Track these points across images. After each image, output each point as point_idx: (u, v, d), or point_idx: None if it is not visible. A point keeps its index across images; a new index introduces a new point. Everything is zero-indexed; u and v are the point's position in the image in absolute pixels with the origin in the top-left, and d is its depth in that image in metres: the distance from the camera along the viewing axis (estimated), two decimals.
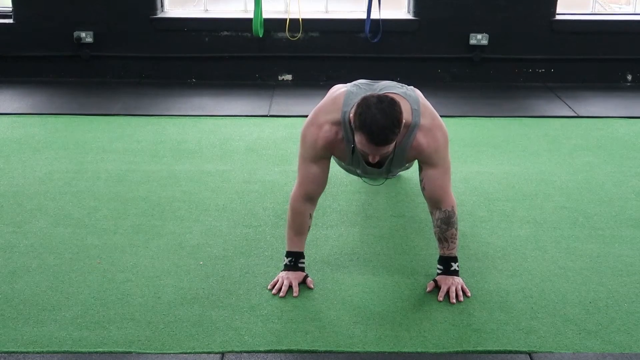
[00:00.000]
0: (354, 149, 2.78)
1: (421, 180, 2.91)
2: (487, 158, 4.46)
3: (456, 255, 2.95)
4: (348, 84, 2.99)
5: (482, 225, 3.53)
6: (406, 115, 2.72)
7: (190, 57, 6.13)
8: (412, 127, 2.77)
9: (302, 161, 2.92)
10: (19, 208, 3.68)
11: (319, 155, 2.87)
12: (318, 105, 2.96)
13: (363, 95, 2.68)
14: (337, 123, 2.80)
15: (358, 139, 2.62)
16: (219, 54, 6.12)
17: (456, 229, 2.92)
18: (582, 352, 2.57)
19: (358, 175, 3.24)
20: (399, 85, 3.01)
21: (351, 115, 2.66)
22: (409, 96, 2.86)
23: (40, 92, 5.81)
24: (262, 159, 4.41)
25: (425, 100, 2.98)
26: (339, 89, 3.00)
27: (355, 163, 2.93)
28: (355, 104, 2.64)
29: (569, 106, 5.57)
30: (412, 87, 3.07)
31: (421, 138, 2.80)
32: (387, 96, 2.63)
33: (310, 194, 2.94)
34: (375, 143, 2.58)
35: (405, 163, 2.93)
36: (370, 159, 2.68)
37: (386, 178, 3.25)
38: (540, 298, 2.90)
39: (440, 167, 2.86)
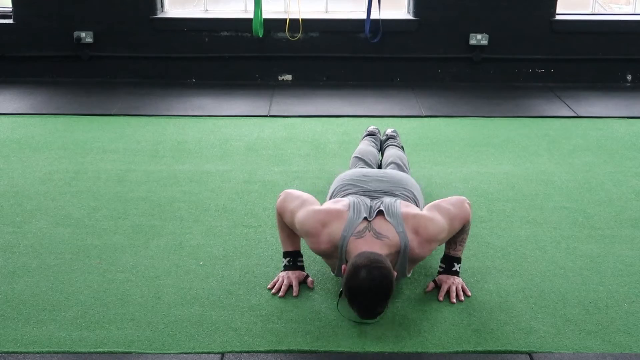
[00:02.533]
0: (340, 295, 2.74)
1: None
2: (487, 158, 4.46)
3: (460, 257, 2.97)
4: (349, 197, 2.91)
5: (482, 225, 3.53)
6: (394, 242, 2.72)
7: (190, 57, 6.13)
8: (403, 250, 2.76)
9: (297, 209, 2.88)
10: (19, 208, 3.68)
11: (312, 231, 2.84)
12: (319, 208, 2.87)
13: (353, 259, 2.61)
14: (335, 245, 2.78)
15: (348, 305, 2.63)
16: (219, 54, 6.12)
17: (467, 235, 2.96)
18: (582, 352, 2.57)
19: None
20: (393, 181, 3.06)
21: (343, 267, 2.68)
22: (394, 215, 2.78)
23: (40, 92, 5.81)
24: (262, 159, 4.41)
25: (418, 190, 3.11)
26: (337, 202, 2.91)
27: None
28: (346, 268, 2.61)
29: (569, 106, 5.57)
30: (408, 177, 3.17)
31: (415, 253, 2.79)
32: (377, 266, 2.54)
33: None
34: (366, 318, 2.66)
35: (406, 272, 2.87)
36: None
37: None
38: (540, 298, 2.90)
39: (449, 230, 2.85)
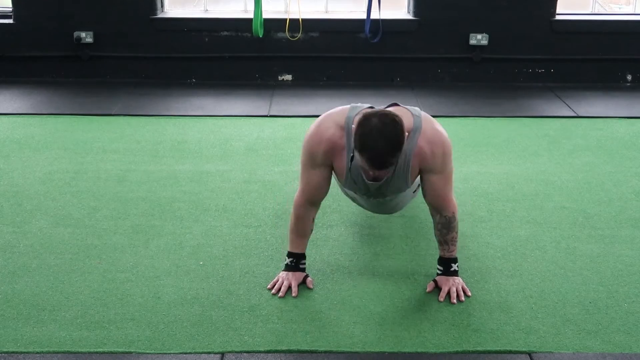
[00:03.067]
0: (352, 160, 2.77)
1: (423, 187, 2.91)
2: (487, 158, 4.46)
3: (456, 256, 2.96)
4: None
5: (482, 225, 3.53)
6: (407, 121, 2.72)
7: (190, 57, 6.13)
8: (413, 132, 2.76)
9: (304, 168, 2.91)
10: (19, 208, 3.68)
11: (321, 162, 2.85)
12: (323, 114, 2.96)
13: (364, 110, 2.65)
14: (340, 127, 2.79)
15: (359, 158, 2.61)
16: (219, 54, 6.12)
17: (456, 232, 2.93)
18: (582, 352, 2.57)
19: (360, 204, 3.24)
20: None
21: (353, 127, 2.64)
22: (410, 108, 2.86)
23: (40, 92, 5.81)
24: (262, 159, 4.41)
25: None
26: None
27: (352, 180, 2.89)
28: (357, 121, 2.61)
29: (569, 106, 5.57)
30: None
31: (423, 143, 2.78)
32: (388, 115, 2.58)
33: (313, 199, 2.94)
34: (376, 167, 2.60)
35: (409, 178, 2.86)
36: (370, 173, 2.67)
37: (387, 203, 3.18)
38: (540, 298, 2.90)
39: (442, 174, 2.84)
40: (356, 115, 2.76)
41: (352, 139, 2.63)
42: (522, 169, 4.27)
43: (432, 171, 2.83)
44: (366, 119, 2.56)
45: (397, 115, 2.60)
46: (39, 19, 6.02)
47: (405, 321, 2.74)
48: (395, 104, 2.92)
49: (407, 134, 2.64)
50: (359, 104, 2.92)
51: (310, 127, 2.91)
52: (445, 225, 2.89)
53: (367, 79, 6.17)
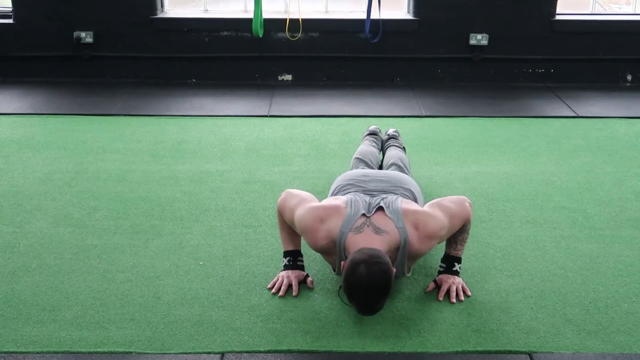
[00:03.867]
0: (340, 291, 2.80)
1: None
2: (487, 158, 4.46)
3: (461, 257, 2.97)
4: (348, 195, 2.93)
5: (482, 226, 3.53)
6: (393, 238, 2.73)
7: (190, 57, 6.13)
8: (402, 246, 2.76)
9: (295, 207, 2.90)
10: (19, 208, 3.68)
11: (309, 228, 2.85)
12: (317, 204, 2.88)
13: (352, 254, 2.61)
14: (333, 241, 2.79)
15: (347, 301, 2.64)
16: (219, 54, 6.12)
17: (467, 234, 2.96)
18: (582, 352, 2.57)
19: None
20: (393, 181, 3.07)
21: (343, 264, 2.66)
22: (394, 211, 2.79)
23: (40, 92, 5.81)
24: (262, 159, 4.41)
25: (418, 190, 3.13)
26: (336, 198, 2.93)
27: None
28: (344, 265, 2.60)
29: (569, 106, 5.57)
30: (409, 178, 3.20)
31: (416, 246, 2.78)
32: (376, 261, 2.54)
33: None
34: (364, 315, 2.67)
35: (404, 270, 2.86)
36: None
37: None
38: (540, 298, 2.90)
39: (449, 228, 2.85)
40: (349, 231, 2.73)
41: (341, 276, 2.65)
42: (522, 169, 4.27)
43: (438, 241, 2.87)
44: (354, 266, 2.54)
45: (383, 259, 2.56)
46: (39, 19, 6.01)
47: (405, 321, 2.74)
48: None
49: (395, 246, 2.72)
50: (353, 198, 2.86)
51: (305, 218, 2.83)
52: (460, 229, 2.93)
53: (367, 79, 6.17)
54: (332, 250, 2.82)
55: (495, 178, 4.13)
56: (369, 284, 2.52)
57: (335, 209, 2.82)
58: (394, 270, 2.64)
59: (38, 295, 2.88)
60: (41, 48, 6.08)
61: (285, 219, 2.96)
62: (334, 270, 2.95)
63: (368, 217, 2.77)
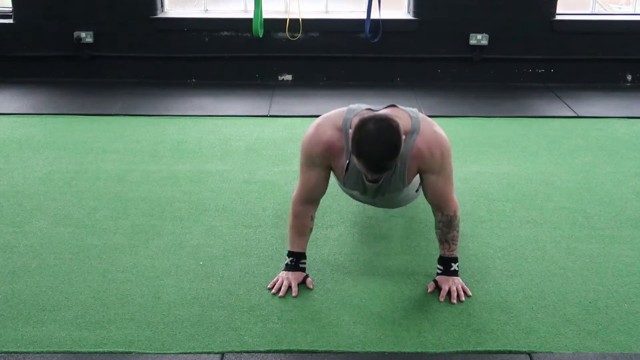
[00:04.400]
0: (348, 165, 2.78)
1: (423, 187, 2.91)
2: (487, 158, 4.46)
3: (456, 256, 2.96)
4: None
5: (482, 225, 3.53)
6: (405, 122, 2.73)
7: (190, 57, 6.13)
8: (411, 134, 2.76)
9: (302, 168, 2.92)
10: (19, 208, 3.68)
11: (319, 162, 2.86)
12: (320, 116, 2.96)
13: (362, 113, 2.64)
14: (338, 129, 2.80)
15: (356, 162, 2.62)
16: (219, 54, 6.12)
17: (457, 232, 2.93)
18: (582, 352, 2.57)
19: (360, 200, 3.25)
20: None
21: (350, 131, 2.64)
22: (408, 109, 2.86)
23: (40, 92, 5.81)
24: (262, 159, 4.41)
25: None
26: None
27: (351, 180, 2.90)
28: (354, 125, 2.61)
29: (569, 106, 5.57)
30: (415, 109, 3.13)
31: (421, 145, 2.78)
32: (385, 120, 2.57)
33: (311, 197, 2.94)
34: (373, 172, 2.61)
35: (406, 178, 2.86)
36: (369, 177, 2.69)
37: (386, 200, 3.18)
38: (540, 298, 2.90)
39: (442, 174, 2.84)
40: (354, 117, 2.76)
41: (350, 142, 2.63)
42: (522, 169, 4.27)
43: (431, 172, 2.84)
44: (363, 124, 2.55)
45: (393, 119, 2.59)
46: (39, 19, 6.02)
47: (405, 321, 2.74)
48: (394, 106, 2.91)
49: (404, 136, 2.64)
50: (356, 105, 2.91)
51: (308, 129, 2.91)
52: (446, 224, 2.89)
53: (367, 79, 6.17)
54: (338, 145, 2.79)
55: (495, 178, 4.13)
56: (378, 137, 2.51)
57: (335, 112, 2.86)
58: (403, 137, 2.59)
59: (38, 295, 2.88)
60: (41, 48, 6.09)
61: (298, 198, 2.92)
62: (340, 179, 2.93)
63: (375, 110, 2.77)
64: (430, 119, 2.91)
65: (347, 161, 2.80)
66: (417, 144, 2.77)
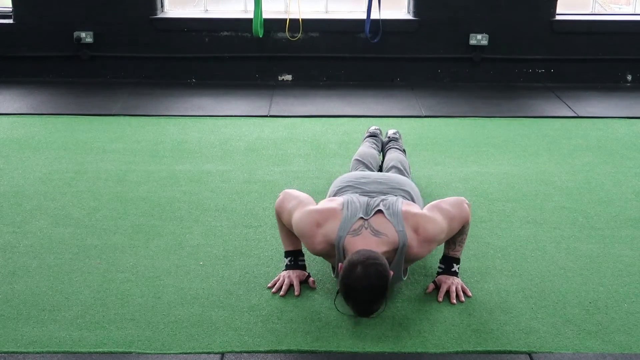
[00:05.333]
0: (337, 296, 2.79)
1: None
2: (487, 158, 4.46)
3: (459, 258, 2.97)
4: (344, 196, 2.92)
5: (482, 225, 3.53)
6: (392, 240, 2.72)
7: (190, 57, 6.13)
8: (401, 248, 2.75)
9: (293, 211, 2.89)
10: (19, 208, 3.68)
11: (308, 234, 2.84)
12: (314, 208, 2.86)
13: (350, 256, 2.61)
14: (330, 244, 2.78)
15: (344, 302, 2.64)
16: (219, 54, 6.12)
17: (466, 235, 2.96)
18: (582, 352, 2.57)
19: None
20: (392, 183, 3.05)
21: (340, 265, 2.65)
22: (394, 214, 2.78)
23: (40, 92, 5.81)
24: (262, 159, 4.41)
25: (417, 193, 3.10)
26: (332, 200, 2.92)
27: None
28: (342, 267, 2.60)
29: (569, 106, 5.57)
30: (408, 181, 3.17)
31: (412, 253, 2.78)
32: (372, 264, 2.54)
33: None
34: (361, 315, 2.66)
35: (401, 274, 2.85)
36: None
37: None
38: (540, 298, 2.90)
39: (445, 233, 2.85)
40: (347, 235, 2.73)
41: (338, 280, 2.65)
42: (522, 169, 4.27)
43: (438, 243, 2.87)
44: (351, 268, 2.55)
45: (380, 262, 2.56)
46: (39, 19, 6.01)
47: (405, 321, 2.74)
48: (380, 212, 2.78)
49: (393, 248, 2.70)
50: (352, 198, 2.84)
51: (301, 219, 2.83)
52: (459, 231, 2.92)
53: (367, 79, 6.17)
54: (331, 252, 2.81)
55: (495, 178, 4.13)
56: (366, 284, 2.52)
57: (331, 212, 2.81)
58: (392, 273, 2.63)
59: (38, 295, 2.88)
60: (41, 48, 6.09)
61: (283, 220, 2.95)
62: (334, 273, 2.95)
63: (366, 219, 2.76)
64: (414, 211, 2.83)
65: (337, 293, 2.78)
66: (408, 253, 2.77)
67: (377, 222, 2.76)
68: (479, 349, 2.58)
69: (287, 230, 2.98)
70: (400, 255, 2.75)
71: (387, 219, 2.76)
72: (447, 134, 4.91)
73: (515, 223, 3.56)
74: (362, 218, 2.77)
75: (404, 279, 2.90)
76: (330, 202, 2.88)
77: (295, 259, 2.99)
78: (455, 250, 2.95)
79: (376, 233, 2.72)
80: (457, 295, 2.87)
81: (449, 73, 6.20)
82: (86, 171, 4.18)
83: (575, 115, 5.37)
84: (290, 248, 3.00)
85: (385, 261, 2.60)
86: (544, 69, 6.20)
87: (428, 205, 2.92)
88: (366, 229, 2.73)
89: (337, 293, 2.74)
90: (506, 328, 2.70)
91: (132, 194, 3.87)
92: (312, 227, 2.79)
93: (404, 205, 2.83)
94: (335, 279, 3.00)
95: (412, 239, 2.75)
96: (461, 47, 6.12)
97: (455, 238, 2.93)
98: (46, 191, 3.89)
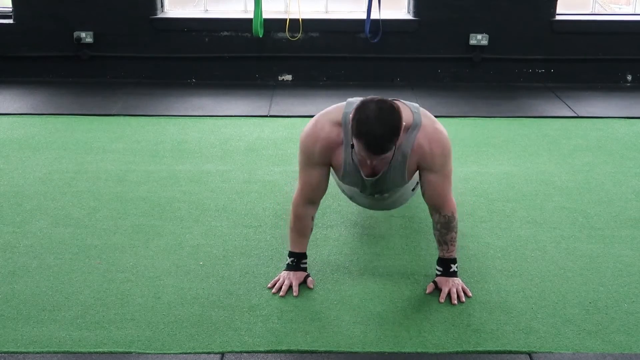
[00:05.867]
0: (352, 147, 2.75)
1: (422, 185, 2.90)
2: (487, 158, 4.46)
3: (455, 257, 2.95)
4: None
5: (482, 226, 3.53)
6: (406, 117, 2.71)
7: (190, 57, 6.13)
8: (412, 128, 2.75)
9: (302, 167, 2.90)
10: (19, 208, 3.68)
11: (318, 160, 2.84)
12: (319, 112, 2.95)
13: (362, 99, 2.66)
14: (337, 124, 2.78)
15: (356, 144, 2.61)
16: (219, 54, 6.12)
17: (456, 232, 2.92)
18: (582, 352, 2.57)
19: (359, 202, 3.24)
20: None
21: (350, 116, 2.63)
22: (410, 104, 2.85)
23: (40, 92, 5.81)
24: (262, 159, 4.41)
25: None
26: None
27: (350, 175, 2.88)
28: (354, 108, 2.62)
29: (569, 106, 5.57)
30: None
31: (422, 140, 2.77)
32: (386, 102, 2.58)
33: (311, 198, 2.93)
34: (373, 152, 2.58)
35: (406, 174, 2.85)
36: (368, 163, 2.68)
37: (384, 200, 3.18)
38: (540, 298, 2.90)
39: (441, 173, 2.83)
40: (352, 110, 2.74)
41: (349, 125, 2.62)
42: (522, 169, 4.27)
43: (430, 169, 2.82)
44: (364, 105, 2.57)
45: (394, 102, 2.61)
46: (39, 19, 6.02)
47: (405, 321, 2.74)
48: (396, 100, 2.89)
49: (405, 124, 2.63)
50: (355, 99, 2.88)
51: (306, 127, 2.89)
52: (444, 225, 2.88)
53: (367, 79, 6.17)
54: (337, 140, 2.77)
55: (495, 178, 4.13)
56: (379, 117, 2.51)
57: (333, 107, 2.84)
58: (404, 124, 2.60)
59: (38, 295, 2.88)
60: (41, 48, 6.09)
61: (299, 200, 2.90)
62: (339, 174, 2.90)
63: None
64: (432, 116, 2.89)
65: (350, 152, 2.76)
66: (418, 138, 2.76)
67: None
68: (479, 349, 2.58)
69: (298, 230, 2.95)
70: (411, 136, 2.72)
71: (404, 103, 2.77)
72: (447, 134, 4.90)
73: (515, 223, 3.56)
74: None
75: (409, 185, 2.91)
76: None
77: (298, 261, 2.98)
78: (449, 250, 2.93)
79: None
80: (458, 297, 2.86)
81: (449, 73, 6.20)
82: (86, 171, 4.18)
83: (575, 115, 5.37)
84: (296, 250, 2.99)
85: (399, 105, 2.60)
86: (544, 69, 6.20)
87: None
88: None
89: (352, 150, 2.72)
90: (506, 328, 2.70)
91: (132, 194, 3.87)
92: (315, 119, 2.83)
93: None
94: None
95: (425, 126, 2.75)
96: (461, 47, 6.12)
97: (445, 237, 2.89)
98: (46, 191, 3.89)
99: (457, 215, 2.92)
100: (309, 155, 2.85)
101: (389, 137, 2.54)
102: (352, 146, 2.70)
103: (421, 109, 2.88)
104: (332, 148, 2.82)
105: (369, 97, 2.66)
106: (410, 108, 2.81)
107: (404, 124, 2.60)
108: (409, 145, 2.76)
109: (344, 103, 2.87)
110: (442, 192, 2.85)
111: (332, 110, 2.87)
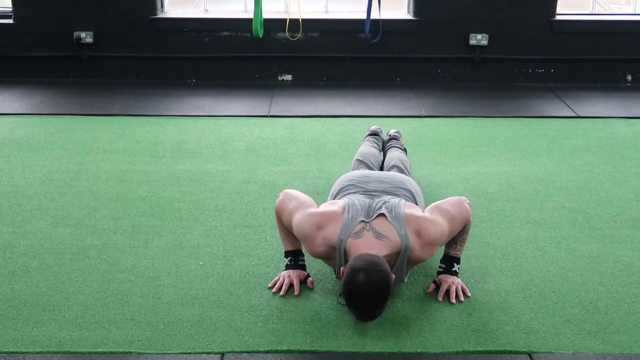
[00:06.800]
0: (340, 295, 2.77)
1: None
2: (487, 158, 4.46)
3: (460, 257, 2.97)
4: (345, 198, 2.92)
5: (482, 225, 3.53)
6: (394, 243, 2.71)
7: (190, 57, 6.13)
8: (403, 252, 2.75)
9: (294, 208, 2.88)
10: (19, 208, 3.68)
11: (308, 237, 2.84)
12: (315, 211, 2.84)
13: (352, 261, 2.60)
14: (332, 247, 2.78)
15: (347, 307, 2.65)
16: (219, 54, 6.12)
17: (467, 234, 2.96)
18: (582, 352, 2.57)
19: None
20: (394, 182, 3.04)
21: (342, 269, 2.65)
22: (397, 217, 2.76)
23: (40, 92, 5.81)
24: (262, 159, 4.41)
25: (418, 192, 3.11)
26: (333, 203, 2.89)
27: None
28: (344, 270, 2.60)
29: (569, 106, 5.57)
30: (409, 179, 3.16)
31: (418, 253, 2.77)
32: (374, 270, 2.53)
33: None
34: (364, 320, 2.67)
35: (404, 275, 2.86)
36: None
37: None
38: (540, 298, 2.90)
39: (450, 225, 2.83)
40: (348, 238, 2.72)
41: (341, 285, 2.64)
42: (522, 169, 4.27)
43: (440, 245, 2.87)
44: (353, 274, 2.54)
45: (382, 268, 2.55)
46: (39, 19, 6.01)
47: (405, 321, 2.74)
48: (382, 215, 2.77)
49: (392, 252, 2.70)
50: (350, 213, 2.79)
51: (302, 222, 2.81)
52: (461, 230, 2.92)
53: (367, 79, 6.17)
54: (332, 255, 2.81)
55: (495, 178, 4.13)
56: (368, 291, 2.52)
57: (332, 215, 2.80)
58: (393, 276, 2.63)
59: (38, 295, 2.88)
60: (41, 48, 6.08)
61: (284, 221, 2.95)
62: (334, 274, 2.95)
63: (367, 222, 2.75)
64: (417, 214, 2.81)
65: (341, 270, 2.74)
66: (411, 256, 2.77)
67: (379, 224, 2.75)
68: (479, 349, 2.58)
69: (287, 231, 2.98)
70: (403, 258, 2.75)
71: (390, 222, 2.75)
72: (447, 134, 4.91)
73: (515, 223, 3.56)
74: (363, 221, 2.75)
75: (405, 281, 2.90)
76: (331, 206, 2.87)
77: (295, 258, 2.99)
78: (456, 249, 2.95)
79: (378, 236, 2.72)
80: (457, 295, 2.87)
81: (449, 73, 6.20)
82: (86, 171, 4.18)
83: (575, 115, 5.37)
84: (290, 248, 3.00)
85: (387, 266, 2.60)
86: (544, 69, 6.20)
87: (429, 207, 2.91)
88: (368, 231, 2.73)
89: (340, 295, 2.73)
90: (506, 328, 2.70)
91: (132, 194, 3.87)
92: (313, 229, 2.79)
93: (406, 207, 2.82)
94: (336, 280, 3.00)
95: (414, 242, 2.74)
96: (461, 47, 6.12)
97: (457, 237, 2.93)
98: (46, 191, 3.89)
99: (472, 219, 2.95)
100: (304, 241, 2.87)
101: (378, 308, 2.59)
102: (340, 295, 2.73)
103: (405, 210, 2.80)
104: (328, 258, 2.86)
105: (358, 259, 2.59)
106: (395, 228, 2.74)
107: (392, 280, 2.59)
108: (403, 265, 2.78)
109: (339, 221, 2.76)
110: (456, 227, 2.87)
111: (326, 221, 2.79)
